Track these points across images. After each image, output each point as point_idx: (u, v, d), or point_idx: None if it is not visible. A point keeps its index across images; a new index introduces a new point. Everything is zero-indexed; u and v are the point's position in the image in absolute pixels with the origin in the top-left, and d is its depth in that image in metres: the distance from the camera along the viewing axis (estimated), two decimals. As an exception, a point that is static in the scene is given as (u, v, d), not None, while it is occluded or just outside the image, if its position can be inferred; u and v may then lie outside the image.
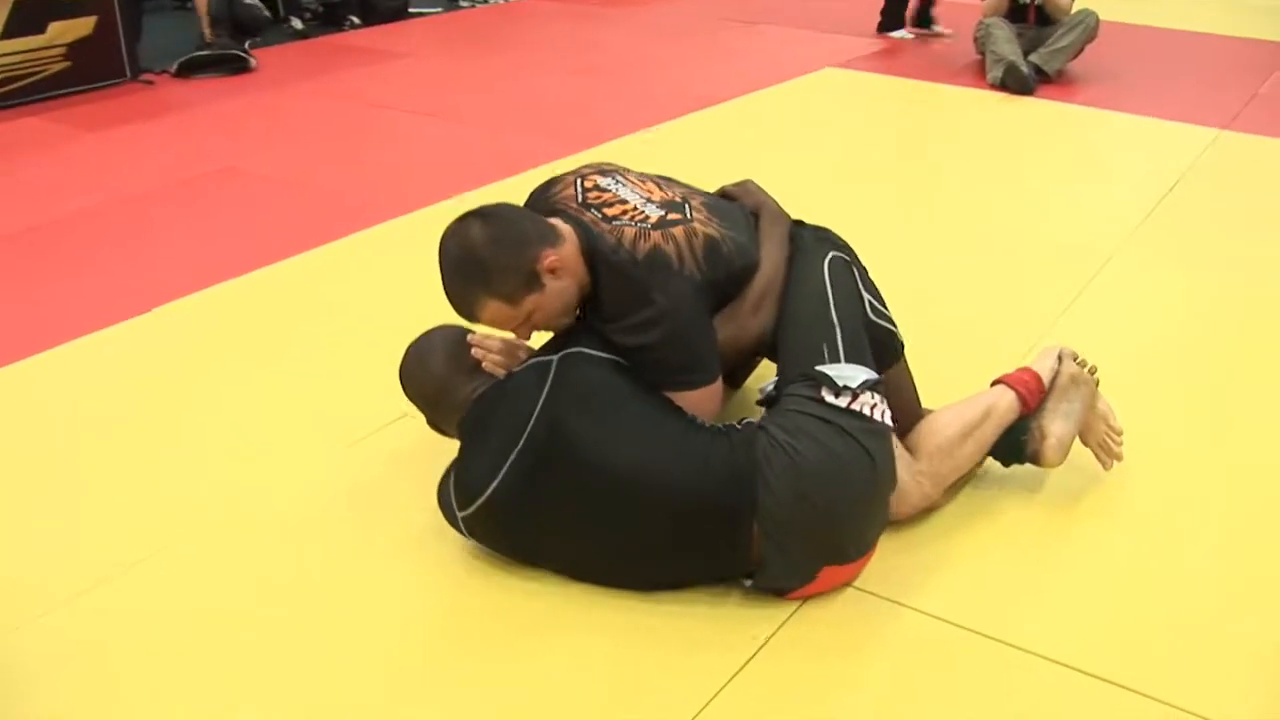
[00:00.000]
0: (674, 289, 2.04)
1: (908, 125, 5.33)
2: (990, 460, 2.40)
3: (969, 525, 2.31)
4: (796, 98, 5.75)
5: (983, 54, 6.10)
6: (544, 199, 2.22)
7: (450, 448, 2.17)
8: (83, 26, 5.71)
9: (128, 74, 5.93)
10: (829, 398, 1.99)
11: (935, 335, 2.89)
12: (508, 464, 1.97)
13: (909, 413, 2.28)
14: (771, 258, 2.21)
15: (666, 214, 2.13)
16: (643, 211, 2.12)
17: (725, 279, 2.14)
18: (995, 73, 5.80)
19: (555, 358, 2.04)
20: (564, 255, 2.05)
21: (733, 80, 5.97)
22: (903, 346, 2.28)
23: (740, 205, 2.32)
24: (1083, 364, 2.43)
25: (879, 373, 2.11)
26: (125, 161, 4.69)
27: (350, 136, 5.03)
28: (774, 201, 2.35)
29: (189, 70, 6.10)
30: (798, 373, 2.05)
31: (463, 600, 2.09)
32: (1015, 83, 5.70)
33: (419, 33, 7.33)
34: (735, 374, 2.38)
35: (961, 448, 2.25)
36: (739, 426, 2.03)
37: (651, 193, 2.19)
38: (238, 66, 6.17)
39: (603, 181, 2.19)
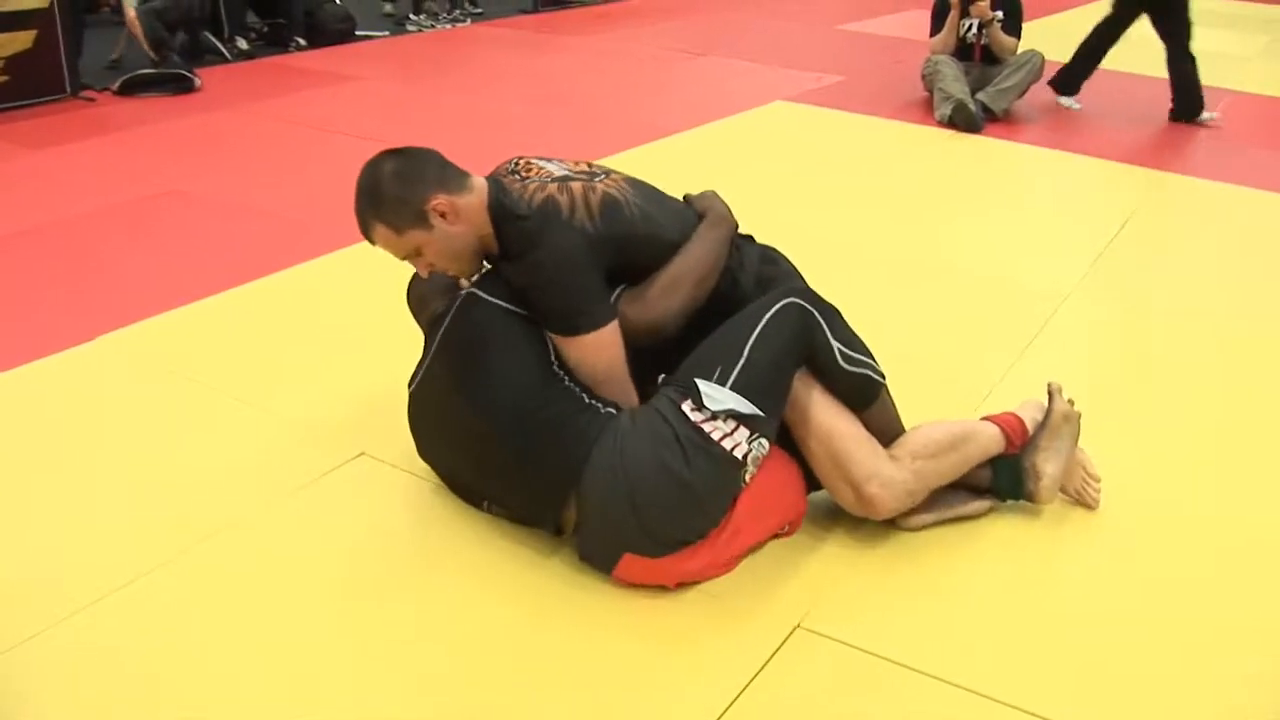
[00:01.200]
0: (557, 234, 2.14)
1: (859, 160, 5.31)
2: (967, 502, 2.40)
3: (939, 560, 2.30)
4: (747, 130, 5.75)
5: (930, 91, 6.15)
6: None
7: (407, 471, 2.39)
8: (22, 40, 5.57)
9: (68, 90, 5.80)
10: (685, 408, 2.08)
11: (888, 373, 2.89)
12: (419, 375, 2.30)
13: (888, 434, 2.30)
14: (693, 250, 2.29)
15: (573, 175, 2.26)
16: (551, 173, 2.25)
17: (626, 240, 2.21)
18: (944, 110, 5.82)
19: (461, 295, 2.27)
20: (461, 204, 2.19)
21: (684, 111, 5.97)
22: (881, 386, 2.29)
23: (682, 203, 2.42)
24: (1070, 401, 2.46)
25: (860, 411, 2.22)
26: (66, 181, 4.59)
27: (298, 160, 4.97)
28: (727, 211, 2.40)
29: (131, 88, 5.98)
30: (679, 380, 2.13)
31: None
32: (964, 121, 5.74)
33: (366, 56, 7.26)
34: (643, 361, 2.35)
35: (946, 455, 2.28)
36: (613, 411, 2.14)
37: (575, 168, 2.31)
38: (181, 86, 6.07)
39: (536, 161, 2.32)
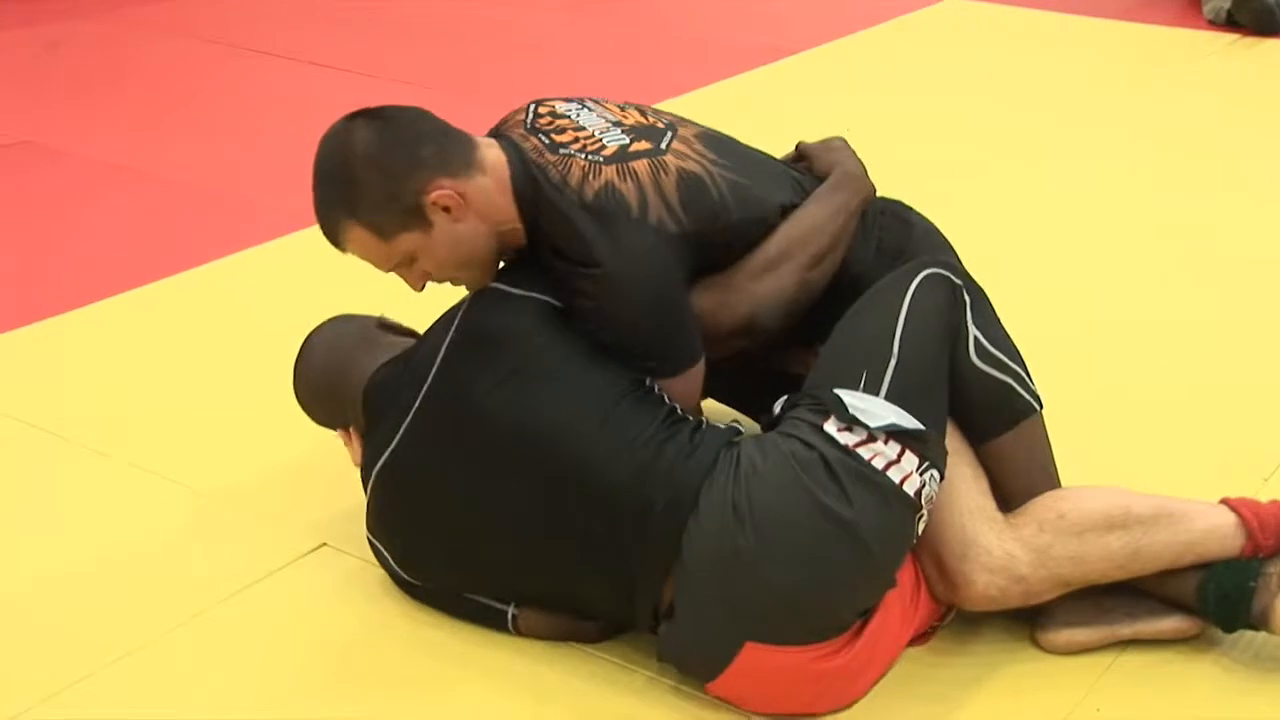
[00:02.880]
0: (628, 244, 2.24)
1: (1079, 85, 5.26)
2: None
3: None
4: (903, 44, 5.75)
5: None
6: (495, 131, 2.46)
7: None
8: None
9: None
10: (830, 429, 2.17)
11: (1109, 411, 2.95)
12: (404, 427, 2.35)
13: (1020, 501, 2.35)
14: (806, 216, 2.42)
15: (631, 143, 2.35)
16: (599, 140, 2.35)
17: (719, 233, 2.33)
18: (1220, 2, 5.81)
19: (464, 305, 2.38)
20: (471, 191, 2.27)
21: (806, 18, 5.99)
22: (1031, 409, 2.35)
23: (787, 166, 2.55)
24: None
25: (986, 439, 2.31)
26: None
27: (206, 96, 5.00)
28: (857, 165, 2.52)
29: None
30: (811, 393, 2.24)
31: None
32: (1254, 18, 5.70)
33: None
34: (723, 374, 2.50)
35: (1102, 535, 2.28)
36: (721, 426, 2.28)
37: (626, 117, 2.44)
38: None
39: (562, 107, 2.44)
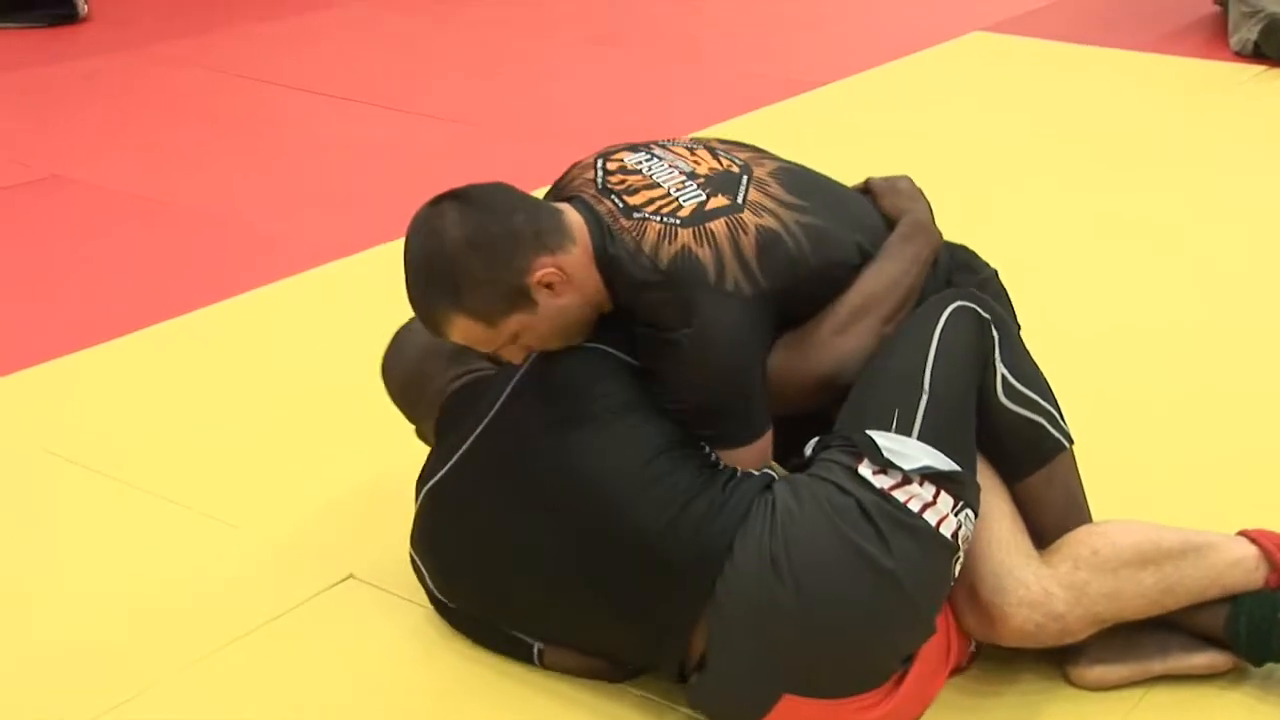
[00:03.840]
0: (705, 313, 2.22)
1: (1106, 118, 5.21)
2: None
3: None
4: (929, 77, 5.73)
5: (1223, 3, 6.07)
6: (561, 187, 2.45)
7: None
8: None
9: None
10: (865, 471, 2.16)
11: (1147, 445, 2.95)
12: (461, 451, 2.36)
13: (1053, 538, 2.34)
14: (881, 272, 2.39)
15: (708, 199, 2.32)
16: (674, 199, 2.32)
17: (799, 283, 2.32)
18: (1247, 33, 5.74)
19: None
20: (569, 265, 2.25)
21: (833, 51, 5.98)
22: (1061, 447, 2.35)
23: (862, 196, 2.53)
24: None
25: (1016, 479, 2.31)
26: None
27: (240, 132, 4.99)
28: (926, 212, 2.51)
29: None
30: (843, 434, 2.23)
31: None
32: None
33: None
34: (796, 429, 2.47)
35: (1137, 572, 2.27)
36: (754, 472, 2.26)
37: (699, 164, 2.40)
38: (59, 13, 6.12)
39: (631, 160, 2.40)
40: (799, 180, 2.42)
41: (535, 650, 2.37)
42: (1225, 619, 2.31)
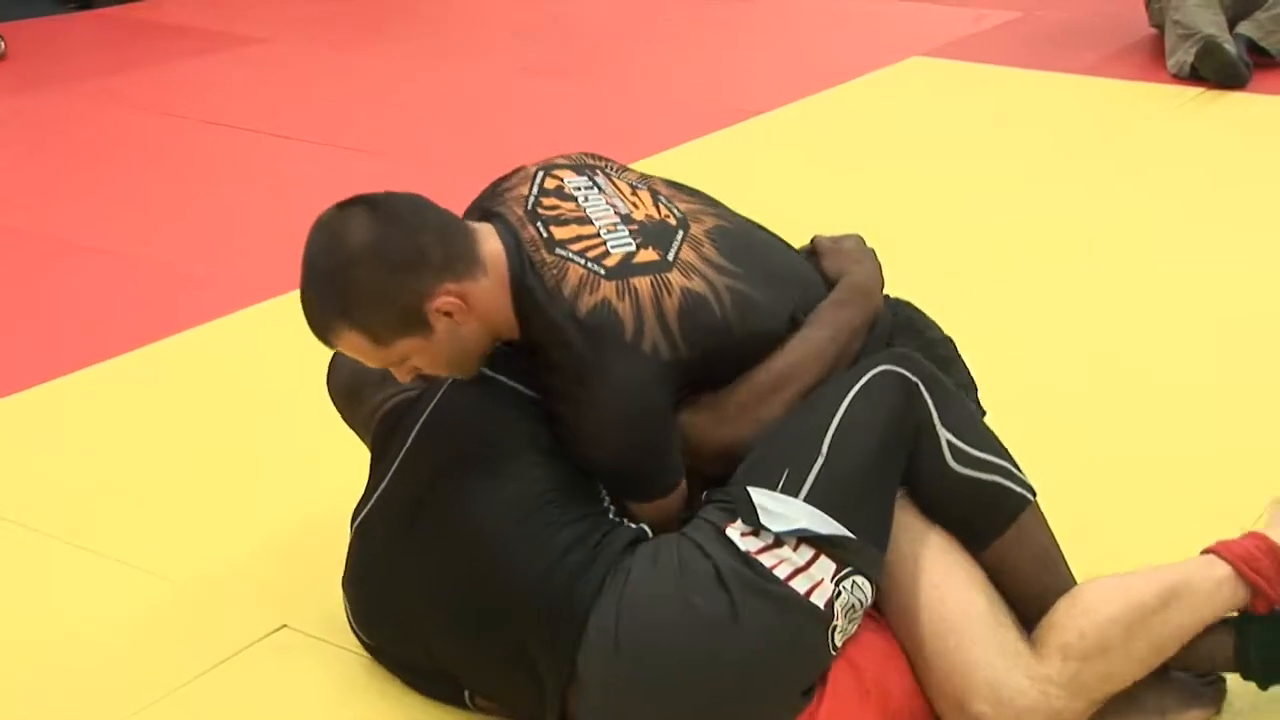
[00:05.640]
0: (615, 372, 2.19)
1: (1048, 143, 5.27)
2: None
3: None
4: (871, 102, 5.73)
5: (1160, 26, 6.12)
6: (493, 195, 2.41)
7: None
8: None
9: None
10: (732, 532, 2.15)
11: (1096, 475, 2.95)
12: (381, 488, 2.37)
13: (1033, 601, 2.31)
14: (806, 342, 2.36)
15: (637, 251, 2.28)
16: (602, 242, 2.28)
17: (716, 353, 2.29)
18: (1184, 55, 5.80)
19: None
20: (474, 295, 2.22)
21: (768, 79, 5.97)
22: (1025, 501, 2.31)
23: (811, 261, 2.51)
24: None
25: (983, 546, 2.26)
26: None
27: (167, 171, 4.98)
28: (869, 274, 2.48)
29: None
30: (725, 490, 2.22)
31: None
32: (1216, 70, 5.70)
33: (272, 4, 7.33)
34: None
35: (1130, 643, 2.23)
36: (631, 525, 2.27)
37: (637, 207, 2.37)
38: None
39: (571, 184, 2.38)
40: (737, 242, 2.38)
41: (467, 694, 2.35)
42: (1234, 650, 2.29)
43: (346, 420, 2.62)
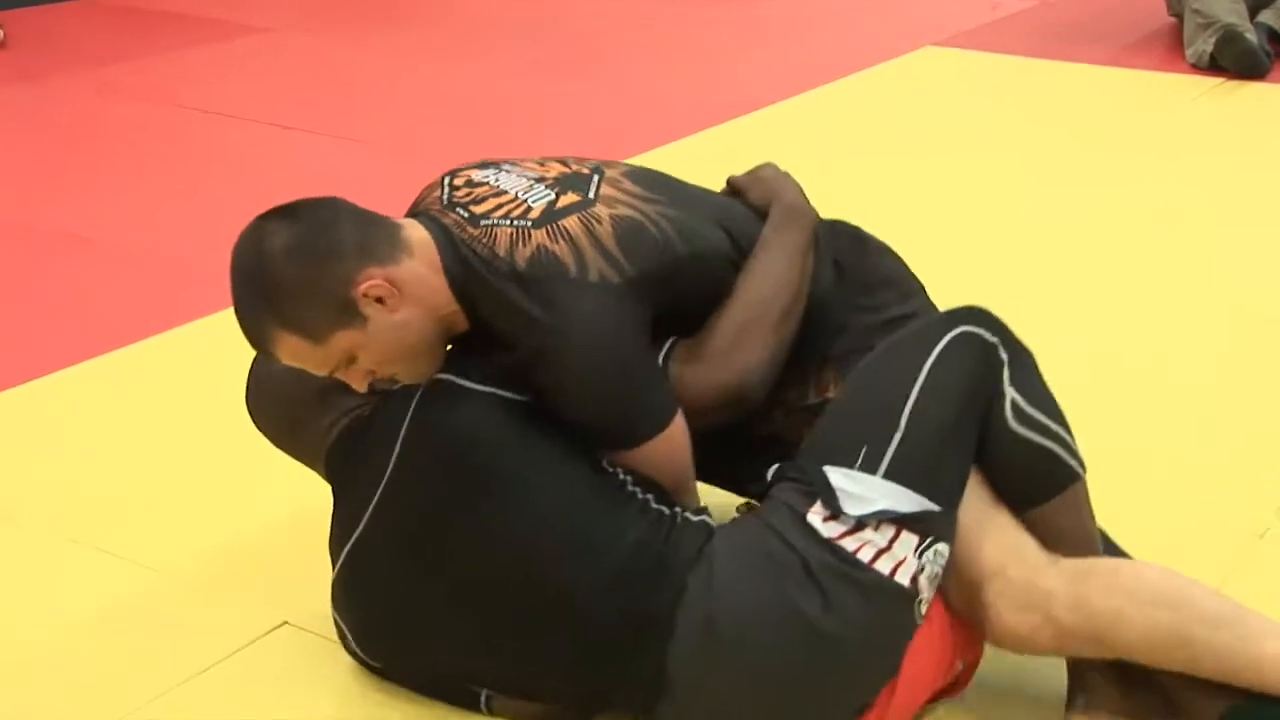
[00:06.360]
0: (571, 308, 2.22)
1: (1064, 135, 5.26)
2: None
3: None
4: (883, 93, 5.76)
5: (1179, 15, 6.12)
6: (411, 210, 2.46)
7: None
8: None
9: None
10: (813, 518, 2.16)
11: (1118, 472, 2.88)
12: (366, 516, 2.32)
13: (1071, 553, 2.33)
14: (764, 269, 2.41)
15: (557, 198, 2.34)
16: (523, 202, 2.33)
17: (670, 271, 2.32)
18: (1203, 44, 5.81)
19: (418, 391, 2.32)
20: (401, 277, 2.24)
21: (780, 73, 5.99)
22: (1075, 476, 2.31)
23: (723, 196, 2.57)
24: None
25: (1026, 508, 2.26)
26: None
27: (164, 161, 4.98)
28: (796, 193, 2.54)
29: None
30: (800, 467, 2.22)
31: None
32: (1236, 60, 5.72)
33: None
34: (713, 451, 2.46)
35: (1148, 607, 2.17)
36: (693, 519, 2.26)
37: (547, 173, 2.43)
38: None
39: (478, 176, 2.42)
40: (653, 178, 2.45)
41: (483, 697, 2.34)
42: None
43: (284, 448, 2.60)
